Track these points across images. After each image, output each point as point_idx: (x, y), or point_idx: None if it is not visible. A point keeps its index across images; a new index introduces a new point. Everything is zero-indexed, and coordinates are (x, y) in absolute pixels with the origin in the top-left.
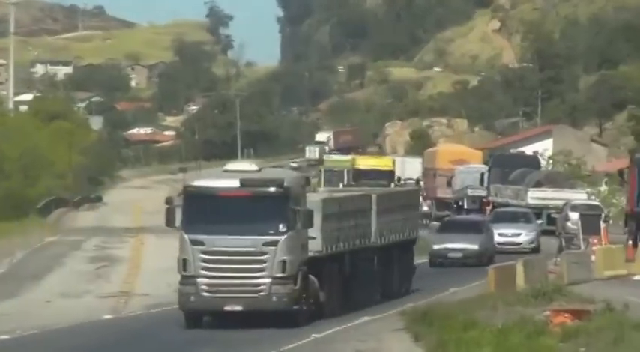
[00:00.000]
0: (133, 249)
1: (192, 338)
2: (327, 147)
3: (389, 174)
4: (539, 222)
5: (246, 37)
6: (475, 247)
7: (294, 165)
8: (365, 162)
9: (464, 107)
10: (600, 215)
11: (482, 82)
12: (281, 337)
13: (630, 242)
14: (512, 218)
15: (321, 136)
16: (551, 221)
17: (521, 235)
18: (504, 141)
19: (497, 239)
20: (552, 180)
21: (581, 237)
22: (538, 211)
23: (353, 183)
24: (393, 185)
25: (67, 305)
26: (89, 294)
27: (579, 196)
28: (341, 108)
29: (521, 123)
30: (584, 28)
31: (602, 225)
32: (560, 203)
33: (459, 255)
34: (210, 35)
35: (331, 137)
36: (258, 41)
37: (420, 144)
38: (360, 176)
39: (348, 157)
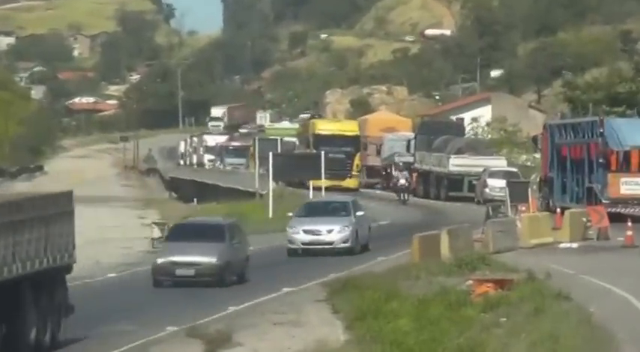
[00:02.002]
0: None
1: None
2: (221, 123)
3: (354, 141)
4: (359, 213)
5: (187, 5)
6: (213, 261)
7: (244, 131)
8: (326, 127)
9: (404, 75)
10: (528, 182)
11: (422, 50)
12: (197, 310)
13: (559, 210)
14: (324, 210)
15: (216, 111)
16: (471, 188)
17: (333, 232)
18: (444, 109)
19: (302, 237)
20: (473, 148)
21: (509, 204)
22: (460, 178)
23: (312, 149)
24: (358, 155)
25: None
26: None
27: (499, 163)
28: (283, 76)
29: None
30: None
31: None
32: (481, 170)
33: (191, 272)
34: (152, 4)
35: (226, 112)
36: (200, 9)
37: (360, 111)
38: (321, 143)
39: (293, 125)
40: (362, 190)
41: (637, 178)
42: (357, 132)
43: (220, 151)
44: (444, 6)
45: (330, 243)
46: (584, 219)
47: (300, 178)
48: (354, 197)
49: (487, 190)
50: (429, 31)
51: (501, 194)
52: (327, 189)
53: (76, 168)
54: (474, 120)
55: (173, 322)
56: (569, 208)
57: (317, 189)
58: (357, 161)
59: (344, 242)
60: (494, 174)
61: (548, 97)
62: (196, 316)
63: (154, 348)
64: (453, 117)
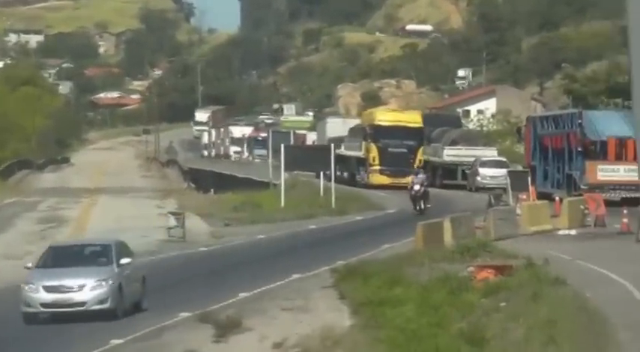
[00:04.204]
0: (83, 209)
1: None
2: (207, 128)
3: (417, 133)
4: (125, 261)
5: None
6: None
7: (269, 121)
8: (387, 117)
9: (413, 69)
10: (528, 172)
11: (430, 46)
12: (209, 296)
13: (557, 198)
14: (76, 257)
15: (200, 115)
16: (464, 176)
17: (86, 288)
18: (450, 101)
19: (41, 296)
20: (467, 139)
21: (510, 193)
22: (454, 167)
23: (370, 142)
24: (421, 149)
25: (7, 266)
26: (30, 256)
27: (490, 153)
28: (298, 71)
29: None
30: None
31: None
32: (473, 160)
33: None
34: (174, 3)
35: (211, 117)
36: (218, 8)
37: (371, 105)
38: (381, 135)
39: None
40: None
41: (613, 165)
42: (421, 124)
43: (249, 142)
44: (451, 3)
45: (82, 304)
46: (582, 207)
47: (310, 170)
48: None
49: (479, 178)
50: (410, 27)
51: (492, 182)
52: (387, 187)
53: (101, 159)
54: (480, 112)
55: (186, 308)
56: (550, 194)
57: (377, 187)
58: (419, 156)
59: (101, 302)
60: (485, 164)
61: (551, 90)
62: (209, 302)
63: (167, 333)
64: (460, 110)
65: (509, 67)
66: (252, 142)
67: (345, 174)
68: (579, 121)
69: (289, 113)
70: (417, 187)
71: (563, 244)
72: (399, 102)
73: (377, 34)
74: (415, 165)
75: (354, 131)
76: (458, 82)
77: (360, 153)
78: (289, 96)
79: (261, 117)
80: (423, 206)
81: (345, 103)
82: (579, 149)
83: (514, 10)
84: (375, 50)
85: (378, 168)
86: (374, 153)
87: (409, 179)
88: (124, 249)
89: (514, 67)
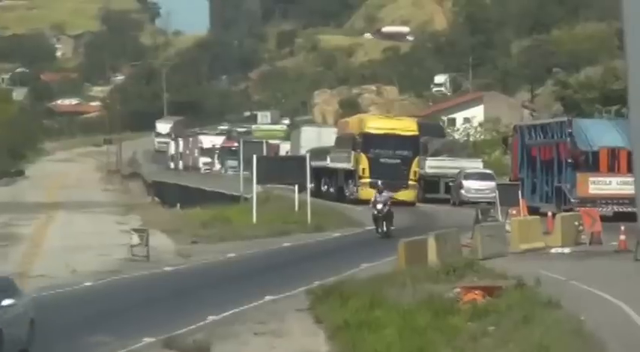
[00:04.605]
0: (38, 226)
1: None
2: (169, 140)
3: (412, 142)
4: (7, 302)
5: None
6: None
7: (242, 130)
8: (379, 124)
9: (395, 74)
10: (518, 185)
11: (413, 49)
12: (175, 320)
13: (550, 213)
14: None
15: (162, 127)
16: (448, 189)
17: None
18: (435, 109)
19: None
20: (450, 149)
21: (499, 208)
22: (436, 180)
23: (360, 152)
24: (417, 160)
25: None
26: None
27: (474, 165)
28: (271, 76)
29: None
30: None
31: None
32: (456, 171)
33: None
34: (137, 3)
35: (173, 128)
36: (186, 9)
37: (349, 112)
38: (371, 144)
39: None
40: (420, 205)
41: (605, 178)
42: (416, 132)
43: (221, 153)
44: (435, 3)
45: None
46: (577, 223)
47: (284, 183)
48: (9, 276)
49: (463, 192)
50: (387, 29)
51: (477, 196)
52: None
53: (58, 172)
54: (467, 120)
55: (150, 333)
56: (538, 208)
57: (363, 202)
58: (414, 167)
59: None
60: (469, 176)
61: (542, 96)
62: (175, 326)
63: None
64: (444, 118)
65: (497, 72)
66: (224, 153)
67: (332, 189)
68: (569, 130)
69: (264, 121)
70: (379, 206)
71: (557, 263)
72: (379, 109)
73: (364, 36)
74: (410, 178)
75: (341, 140)
76: (435, 89)
77: (349, 165)
78: (262, 104)
79: (220, 127)
80: (385, 228)
81: (322, 111)
82: (569, 160)
83: (503, 11)
84: (353, 54)
85: (368, 180)
86: (364, 164)
87: (404, 193)
88: (7, 288)
89: (503, 72)
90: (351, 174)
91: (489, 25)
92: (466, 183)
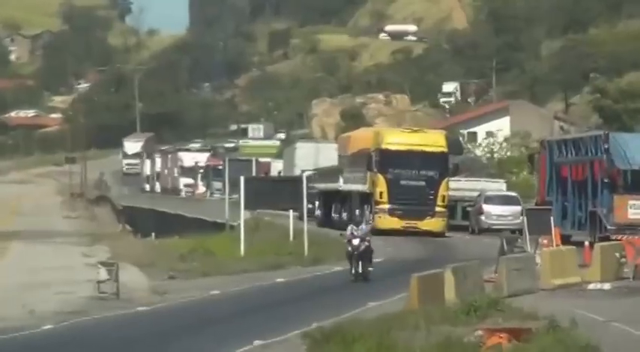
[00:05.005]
0: None
1: None
2: (139, 161)
3: (440, 161)
4: None
5: None
6: None
7: (229, 145)
8: (399, 139)
9: (406, 80)
10: (550, 210)
11: (427, 51)
12: None
13: (587, 243)
14: None
15: (131, 146)
16: (465, 215)
17: None
18: (453, 121)
19: None
20: (468, 168)
21: (527, 237)
22: (452, 204)
23: (377, 173)
24: (445, 182)
25: None
26: None
27: (497, 186)
28: (261, 83)
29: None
30: None
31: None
32: (476, 194)
33: None
34: None
35: (144, 146)
36: (161, 4)
37: (352, 125)
38: (391, 163)
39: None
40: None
41: None
42: (444, 148)
43: (206, 173)
44: None
45: None
46: (618, 254)
47: (277, 207)
48: None
49: (483, 218)
50: (390, 27)
51: (499, 222)
52: (400, 232)
53: (13, 195)
54: (489, 135)
55: None
56: (569, 236)
57: (388, 233)
58: (442, 190)
59: None
60: (490, 200)
61: (578, 106)
62: None
63: None
64: (464, 132)
65: (525, 77)
66: (210, 173)
67: (345, 215)
68: (605, 146)
69: (256, 135)
70: (355, 242)
71: (595, 301)
72: (388, 121)
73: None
74: (437, 203)
75: (356, 158)
76: (442, 100)
77: (364, 188)
78: (251, 115)
79: (192, 145)
80: (361, 269)
81: (321, 124)
82: (605, 180)
83: (532, 6)
84: (358, 57)
85: (386, 206)
86: (381, 186)
87: (430, 222)
88: None
89: (532, 77)
90: (367, 199)
91: (516, 22)
92: (487, 208)
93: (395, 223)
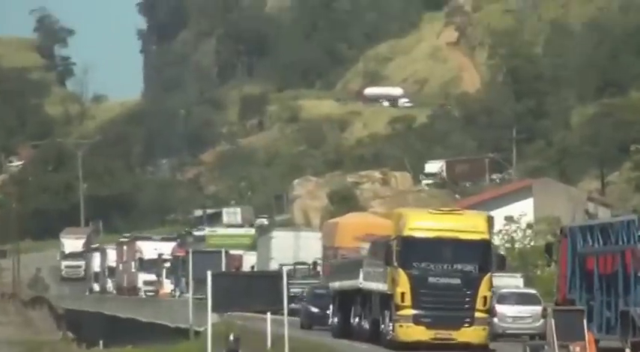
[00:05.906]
0: None
1: None
2: (82, 263)
3: (480, 251)
4: None
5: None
6: None
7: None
8: (426, 223)
9: (407, 155)
10: (583, 311)
11: (433, 119)
12: None
13: (628, 350)
14: None
15: (70, 245)
16: None
17: None
18: (466, 203)
19: None
20: None
21: (555, 344)
22: None
23: (397, 267)
24: (487, 278)
25: None
26: None
27: (512, 282)
28: (233, 159)
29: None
30: (578, 37)
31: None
32: None
33: None
34: (41, 57)
35: (87, 241)
36: (110, 65)
37: (342, 209)
38: (415, 254)
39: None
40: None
41: None
42: (486, 234)
43: (173, 267)
44: (463, 54)
45: None
46: None
47: (252, 309)
48: None
49: (496, 320)
50: (369, 90)
51: (515, 325)
52: (429, 345)
53: None
54: (509, 220)
55: None
56: (597, 341)
57: (412, 346)
58: (484, 290)
59: None
60: (505, 298)
61: (617, 185)
62: None
63: None
64: None
65: (552, 150)
66: (180, 266)
67: (366, 323)
68: (639, 233)
69: (232, 221)
70: None
71: None
72: (386, 205)
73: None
74: (477, 307)
75: (377, 247)
76: (424, 182)
77: (384, 287)
78: (218, 199)
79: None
80: None
81: (304, 207)
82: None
83: (560, 65)
84: (348, 127)
85: (411, 312)
86: (403, 286)
87: (467, 332)
88: None
89: (560, 150)
90: (387, 302)
91: (541, 84)
92: (500, 309)
93: (422, 334)
